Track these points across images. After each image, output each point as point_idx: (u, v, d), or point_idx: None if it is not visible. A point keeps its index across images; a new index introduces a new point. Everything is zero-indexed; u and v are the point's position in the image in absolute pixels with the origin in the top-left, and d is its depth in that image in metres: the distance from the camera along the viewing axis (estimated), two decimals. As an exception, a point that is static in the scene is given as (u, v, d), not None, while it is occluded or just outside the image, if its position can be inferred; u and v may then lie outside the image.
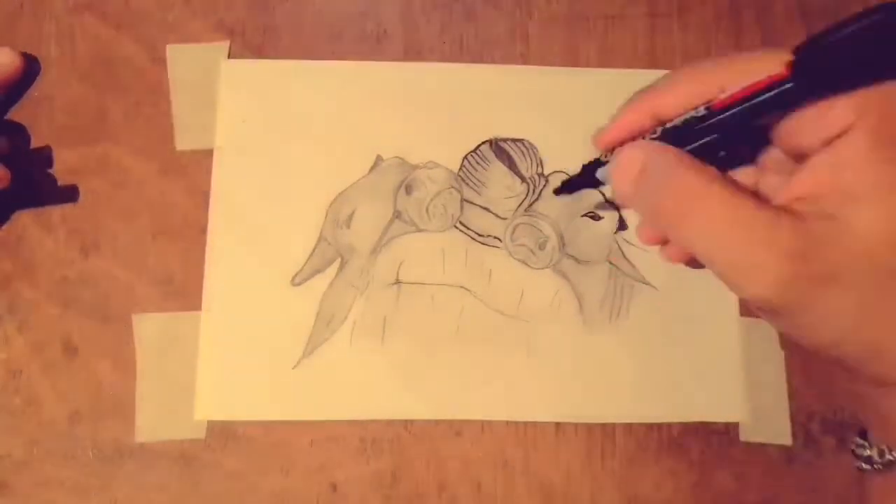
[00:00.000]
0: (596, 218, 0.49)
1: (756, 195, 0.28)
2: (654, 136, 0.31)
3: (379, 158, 0.50)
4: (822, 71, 0.27)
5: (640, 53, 0.53)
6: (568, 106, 0.51)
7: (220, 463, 0.45)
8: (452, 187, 0.49)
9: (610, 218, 0.49)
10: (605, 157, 0.34)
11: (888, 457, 0.31)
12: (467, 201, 0.49)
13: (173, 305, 0.47)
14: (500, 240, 0.49)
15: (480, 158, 0.50)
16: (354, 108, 0.51)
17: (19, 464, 0.44)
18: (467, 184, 0.50)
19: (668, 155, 0.30)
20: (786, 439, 0.46)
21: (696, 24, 0.54)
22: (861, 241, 0.26)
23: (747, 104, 0.28)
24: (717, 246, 0.28)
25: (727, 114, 0.28)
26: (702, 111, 0.29)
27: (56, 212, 0.48)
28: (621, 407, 0.46)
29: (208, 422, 0.45)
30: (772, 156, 0.32)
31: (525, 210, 0.49)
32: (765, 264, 0.27)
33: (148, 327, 0.46)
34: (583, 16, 0.54)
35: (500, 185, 0.50)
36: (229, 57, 0.51)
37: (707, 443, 0.46)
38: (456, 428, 0.46)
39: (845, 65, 0.26)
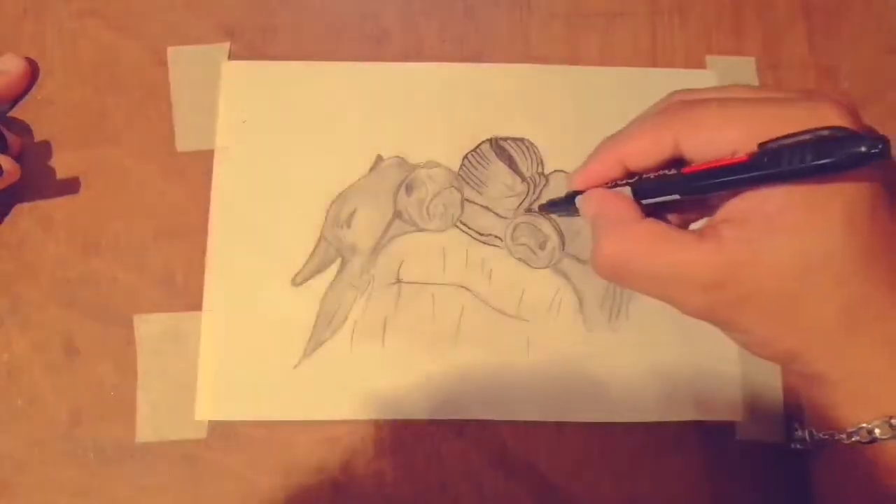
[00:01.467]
0: (596, 217, 0.49)
1: (682, 235, 0.33)
2: (631, 183, 0.36)
3: (379, 158, 0.50)
4: (779, 171, 0.30)
5: (641, 51, 0.53)
6: (569, 104, 0.51)
7: (221, 463, 0.45)
8: (453, 187, 0.49)
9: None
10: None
11: (817, 437, 0.37)
12: (468, 201, 0.49)
13: (174, 306, 0.47)
14: (500, 239, 0.49)
15: (481, 158, 0.50)
16: (354, 109, 0.51)
17: (20, 464, 0.44)
18: (468, 183, 0.50)
19: (610, 213, 0.36)
20: (781, 437, 0.46)
21: (696, 22, 0.54)
22: (773, 268, 0.31)
23: (712, 176, 0.32)
24: (651, 291, 0.35)
25: (694, 180, 0.33)
26: (673, 173, 0.34)
27: (57, 213, 0.48)
28: (621, 406, 0.46)
29: (209, 422, 0.45)
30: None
31: (526, 209, 0.49)
32: (688, 300, 0.33)
33: (149, 328, 0.46)
34: (583, 14, 0.54)
35: (500, 184, 0.50)
36: (230, 58, 0.51)
37: (705, 442, 0.46)
38: (457, 428, 0.46)
39: (794, 163, 0.30)
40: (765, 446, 0.46)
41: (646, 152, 0.35)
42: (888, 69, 0.53)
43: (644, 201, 0.36)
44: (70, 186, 0.48)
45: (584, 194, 0.38)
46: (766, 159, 0.30)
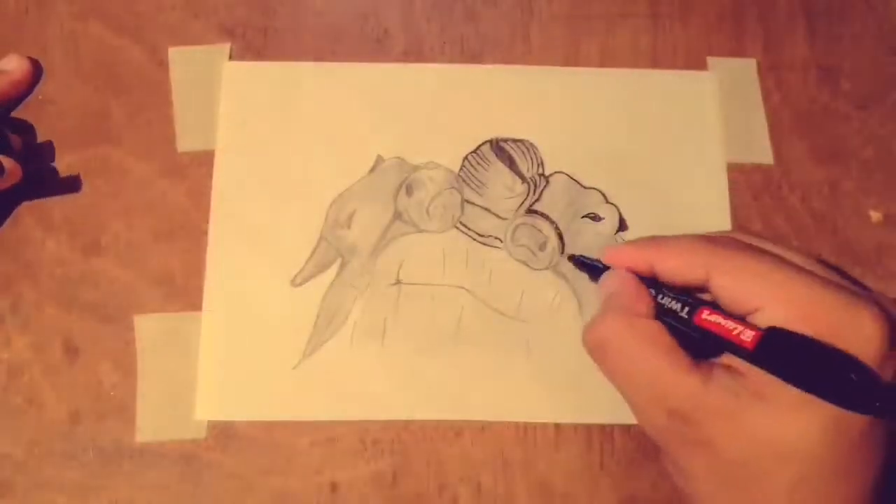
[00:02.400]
0: (596, 219, 0.49)
1: (675, 356, 0.33)
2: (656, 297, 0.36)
3: (379, 159, 0.50)
4: (780, 364, 0.31)
5: (641, 53, 0.53)
6: (569, 106, 0.51)
7: (220, 463, 0.45)
8: (453, 188, 0.49)
9: (610, 218, 0.49)
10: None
11: None
12: (468, 202, 0.49)
13: (174, 306, 0.47)
14: (500, 240, 0.49)
15: (481, 159, 0.50)
16: (355, 109, 0.51)
17: (20, 464, 0.44)
18: (468, 184, 0.50)
19: (622, 299, 0.36)
20: None
21: (697, 23, 0.54)
22: (749, 433, 0.31)
23: (716, 339, 0.33)
24: (619, 386, 0.36)
25: (698, 335, 0.34)
26: (685, 316, 0.34)
27: (57, 213, 0.48)
28: (620, 408, 0.46)
29: (209, 422, 0.45)
30: None
31: (526, 210, 0.49)
32: (647, 411, 0.34)
33: (149, 328, 0.46)
34: (584, 15, 0.54)
35: (500, 185, 0.50)
36: (230, 59, 0.51)
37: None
38: (456, 428, 0.46)
39: (797, 366, 0.30)
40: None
41: (676, 269, 0.35)
42: (889, 70, 0.53)
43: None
44: (71, 185, 0.49)
45: (612, 271, 0.38)
46: (768, 352, 0.31)
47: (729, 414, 0.31)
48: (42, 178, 0.48)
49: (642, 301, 0.36)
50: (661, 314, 0.36)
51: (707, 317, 0.33)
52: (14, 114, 0.50)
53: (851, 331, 0.30)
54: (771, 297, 0.31)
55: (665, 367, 0.33)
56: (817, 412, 0.30)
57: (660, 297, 0.36)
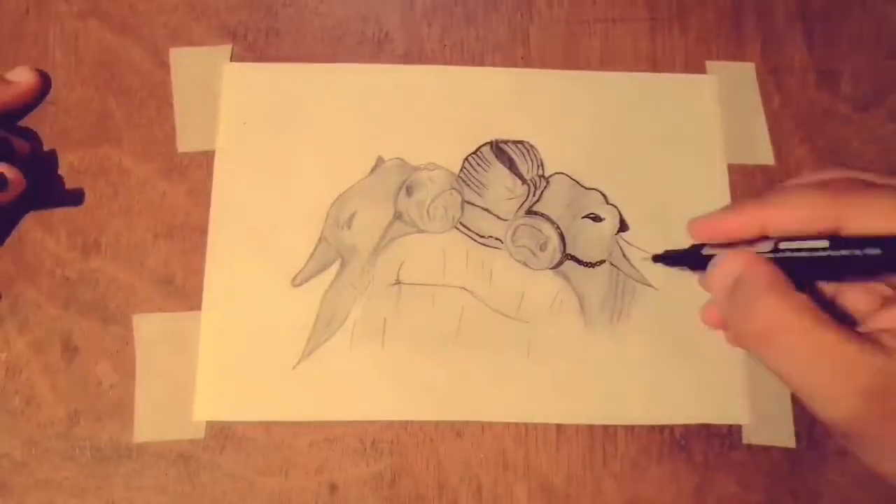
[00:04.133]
0: (597, 219, 0.49)
1: (842, 327, 0.29)
2: (770, 253, 0.32)
3: (380, 160, 0.50)
4: None
5: (640, 56, 0.53)
6: (568, 108, 0.51)
7: (218, 464, 0.45)
8: (453, 188, 0.49)
9: (611, 219, 0.49)
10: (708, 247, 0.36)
11: None
12: (468, 203, 0.49)
13: (174, 306, 0.47)
14: (500, 241, 0.49)
15: (481, 160, 0.50)
16: (355, 111, 0.51)
17: (18, 464, 0.44)
18: (468, 185, 0.50)
19: (762, 278, 0.31)
20: (789, 442, 0.46)
21: (696, 27, 0.54)
22: None
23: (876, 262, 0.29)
24: (797, 375, 0.30)
25: (853, 263, 0.30)
26: (825, 252, 0.31)
27: (57, 212, 0.48)
28: (623, 408, 0.46)
29: (207, 422, 0.45)
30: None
31: (526, 211, 0.49)
32: (840, 398, 0.29)
33: (148, 327, 0.46)
34: (583, 19, 0.54)
35: (500, 186, 0.50)
36: (231, 60, 0.52)
37: (710, 445, 0.46)
38: (456, 429, 0.46)
39: None
40: (773, 451, 0.46)
41: (799, 223, 0.32)
42: (888, 72, 0.53)
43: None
44: (75, 198, 0.48)
45: (728, 254, 0.34)
46: None
47: None
48: (47, 188, 0.48)
49: (779, 276, 0.31)
50: (790, 265, 0.32)
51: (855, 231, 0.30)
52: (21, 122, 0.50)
53: None
54: None
55: (843, 343, 0.29)
56: None
57: (785, 248, 0.32)
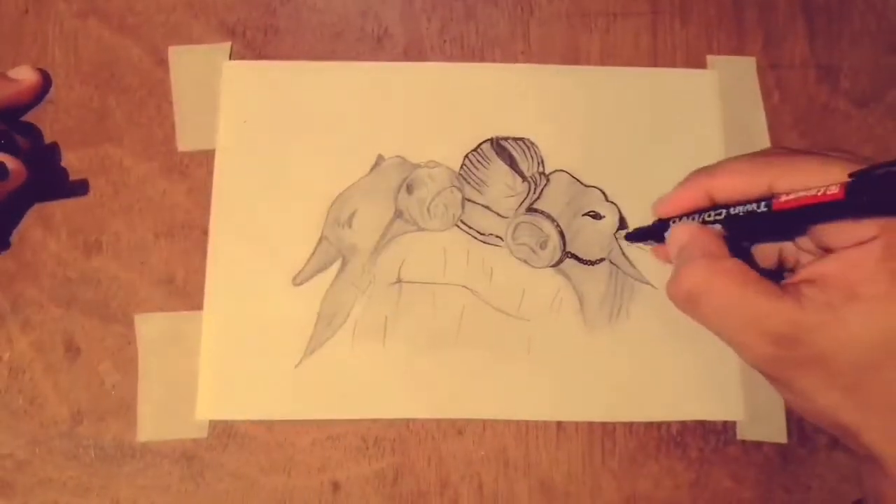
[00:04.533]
0: (597, 217, 0.49)
1: (764, 284, 0.33)
2: (718, 216, 0.37)
3: (380, 158, 0.50)
4: (872, 199, 0.31)
5: (641, 51, 0.53)
6: (569, 104, 0.51)
7: (221, 463, 0.45)
8: (454, 186, 0.49)
9: (611, 217, 0.49)
10: (673, 221, 0.41)
11: None
12: (468, 200, 0.49)
13: (175, 305, 0.47)
14: (501, 239, 0.49)
15: (481, 157, 0.50)
16: (355, 108, 0.51)
17: (21, 463, 0.44)
18: (468, 183, 0.50)
19: (698, 244, 0.36)
20: (781, 437, 0.46)
21: (697, 21, 0.54)
22: (852, 336, 0.31)
23: (802, 213, 0.33)
24: (720, 329, 0.35)
25: (783, 216, 0.34)
26: (763, 208, 0.35)
27: (58, 212, 0.48)
28: (621, 406, 0.46)
29: (210, 421, 0.45)
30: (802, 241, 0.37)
31: (526, 209, 0.49)
32: (756, 346, 0.33)
33: (150, 327, 0.47)
34: (584, 13, 0.54)
35: (501, 183, 0.50)
36: (231, 58, 0.51)
37: (705, 441, 0.46)
38: (458, 427, 0.46)
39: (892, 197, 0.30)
40: (766, 446, 0.46)
41: (738, 188, 0.36)
42: (889, 69, 0.53)
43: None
44: (80, 189, 0.49)
45: (677, 226, 0.39)
46: (860, 192, 0.30)
47: (830, 324, 0.31)
48: (51, 181, 0.49)
49: (714, 242, 0.36)
50: (735, 226, 0.37)
51: (786, 198, 0.34)
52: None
53: None
54: (841, 178, 0.32)
55: (759, 298, 0.33)
56: None
57: (729, 210, 0.37)
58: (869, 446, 0.32)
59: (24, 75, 0.49)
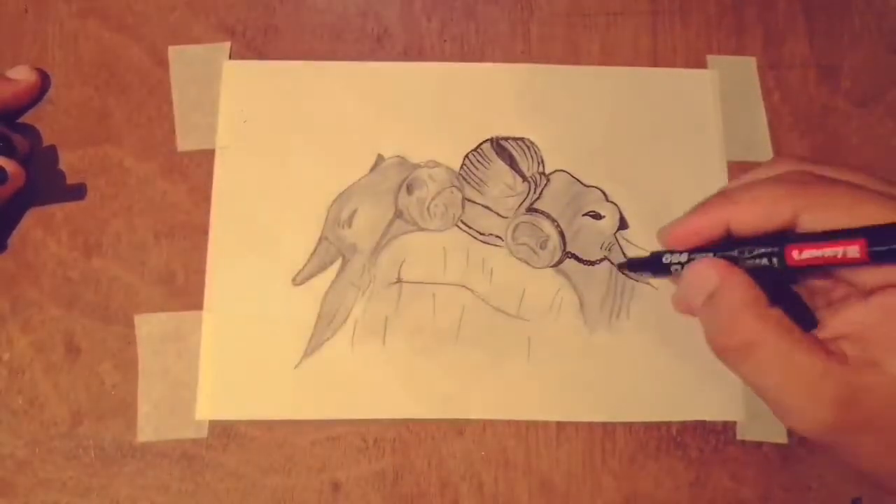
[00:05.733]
0: (597, 217, 0.49)
1: (809, 341, 0.31)
2: (736, 257, 0.33)
3: (380, 158, 0.50)
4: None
5: (641, 51, 0.53)
6: (569, 104, 0.51)
7: (221, 463, 0.45)
8: (454, 186, 0.49)
9: (611, 217, 0.49)
10: (674, 253, 0.36)
11: None
12: (468, 200, 0.49)
13: (175, 305, 0.47)
14: (501, 239, 0.49)
15: (481, 157, 0.50)
16: (355, 108, 0.51)
17: (21, 464, 0.44)
18: (468, 183, 0.50)
19: (738, 291, 0.32)
20: (781, 438, 0.46)
21: (697, 21, 0.54)
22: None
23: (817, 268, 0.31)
24: (772, 389, 0.32)
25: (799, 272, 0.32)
26: (776, 264, 0.32)
27: (58, 213, 0.48)
28: (621, 406, 0.46)
29: (210, 421, 0.45)
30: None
31: (526, 209, 0.49)
32: (812, 412, 0.30)
33: (150, 327, 0.47)
34: (584, 13, 0.54)
35: (501, 183, 0.50)
36: (230, 58, 0.51)
37: (705, 441, 0.46)
38: (458, 427, 0.46)
39: None
40: (766, 446, 0.46)
41: (757, 220, 0.33)
42: (889, 68, 0.53)
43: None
44: (77, 193, 0.49)
45: (702, 262, 0.34)
46: (881, 250, 0.29)
47: (881, 384, 0.30)
48: (48, 184, 0.49)
49: (753, 288, 0.32)
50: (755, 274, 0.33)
51: (800, 256, 0.31)
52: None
53: None
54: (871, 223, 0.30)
55: (811, 357, 0.30)
56: None
57: (738, 256, 0.33)
58: None
59: (23, 75, 0.49)
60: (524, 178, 0.50)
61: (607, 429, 0.46)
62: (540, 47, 0.53)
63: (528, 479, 0.45)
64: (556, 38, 0.53)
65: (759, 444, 0.46)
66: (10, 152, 0.46)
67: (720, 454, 0.46)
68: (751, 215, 0.33)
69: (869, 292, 0.31)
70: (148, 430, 0.45)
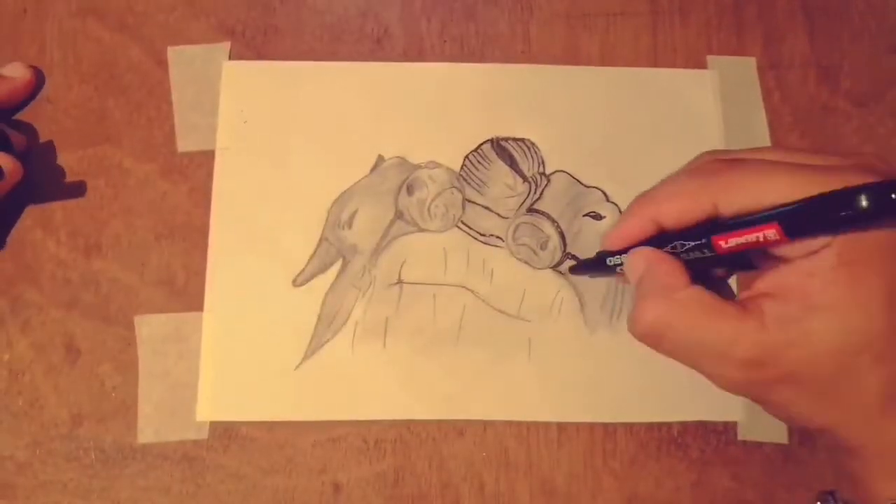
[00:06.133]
0: (597, 217, 0.49)
1: (724, 308, 0.33)
2: (673, 250, 0.35)
3: (380, 158, 0.50)
4: (811, 233, 0.31)
5: (641, 51, 0.53)
6: (569, 104, 0.51)
7: (222, 464, 0.45)
8: (454, 187, 0.49)
9: (611, 217, 0.49)
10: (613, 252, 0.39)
11: None
12: (469, 201, 0.49)
13: (175, 306, 0.47)
14: (502, 239, 0.49)
15: (482, 158, 0.50)
16: (355, 109, 0.51)
17: (22, 465, 0.44)
18: (469, 183, 0.49)
19: (658, 277, 0.35)
20: (782, 438, 0.46)
21: (697, 21, 0.54)
22: (816, 347, 0.31)
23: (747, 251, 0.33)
24: (687, 361, 0.34)
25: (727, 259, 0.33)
26: (707, 252, 0.33)
27: (58, 214, 0.48)
28: (622, 407, 0.46)
29: (210, 423, 0.45)
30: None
31: (527, 209, 0.49)
32: (724, 375, 0.33)
33: (150, 328, 0.46)
34: (584, 13, 0.53)
35: (501, 184, 0.50)
36: (230, 58, 0.51)
37: (706, 442, 0.46)
38: (458, 428, 0.46)
39: (830, 228, 0.30)
40: (766, 446, 0.46)
41: (682, 212, 0.35)
42: (888, 68, 0.53)
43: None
44: (76, 190, 0.48)
45: (634, 252, 0.37)
46: (797, 225, 0.30)
47: (795, 341, 0.31)
48: (47, 180, 0.48)
49: (673, 270, 0.35)
50: (689, 264, 0.35)
51: (727, 245, 0.33)
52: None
53: None
54: (780, 202, 0.31)
55: (721, 325, 0.32)
56: (873, 281, 0.30)
57: (675, 247, 0.35)
58: (846, 440, 0.33)
59: (17, 73, 0.49)
60: (524, 178, 0.50)
61: (608, 429, 0.46)
62: (540, 48, 0.53)
63: (528, 480, 0.45)
64: (555, 39, 0.53)
65: (759, 445, 0.46)
66: (6, 148, 0.46)
67: (721, 454, 0.46)
68: (673, 211, 0.35)
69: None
70: (148, 431, 0.45)
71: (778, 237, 0.31)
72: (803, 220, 0.30)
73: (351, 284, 0.48)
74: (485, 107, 0.51)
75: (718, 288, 0.35)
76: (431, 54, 0.52)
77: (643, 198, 0.37)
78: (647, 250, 0.36)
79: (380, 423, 0.46)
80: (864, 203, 0.28)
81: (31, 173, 0.47)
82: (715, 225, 0.34)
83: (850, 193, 0.29)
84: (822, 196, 0.30)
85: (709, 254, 0.34)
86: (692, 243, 0.35)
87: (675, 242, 0.35)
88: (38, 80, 0.50)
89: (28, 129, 0.49)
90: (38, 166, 0.48)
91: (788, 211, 0.31)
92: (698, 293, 0.34)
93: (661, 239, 0.36)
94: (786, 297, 0.32)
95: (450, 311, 0.47)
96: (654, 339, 0.35)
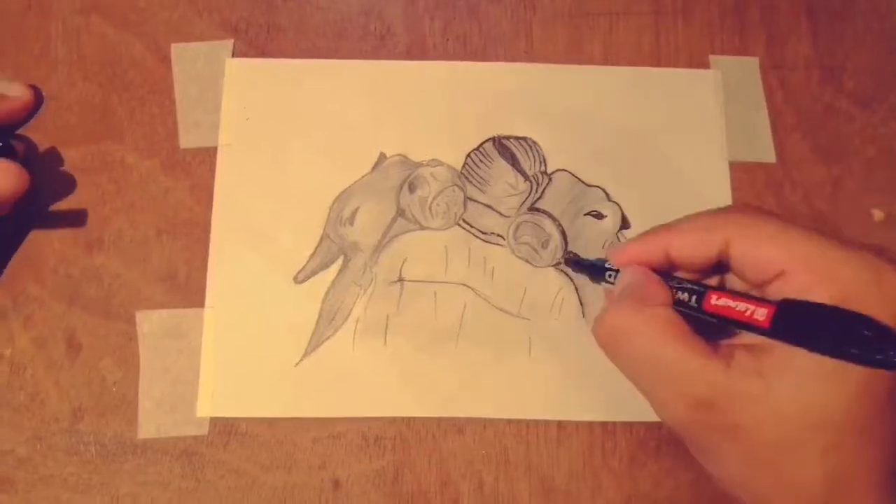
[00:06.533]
0: (599, 216, 0.49)
1: (694, 343, 0.32)
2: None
3: (382, 156, 0.50)
4: (796, 335, 0.31)
5: (644, 51, 0.53)
6: (572, 103, 0.51)
7: (222, 460, 0.45)
8: (455, 185, 0.49)
9: (613, 216, 0.49)
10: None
11: None
12: (470, 199, 0.49)
13: (177, 302, 0.47)
14: (503, 238, 0.49)
15: (484, 156, 0.50)
16: (358, 106, 0.51)
17: (22, 460, 0.44)
18: (470, 182, 0.50)
19: (638, 283, 0.35)
20: None
21: (700, 21, 0.54)
22: (770, 406, 0.30)
23: (729, 320, 0.33)
24: (635, 374, 0.34)
25: (714, 319, 0.34)
26: (693, 303, 0.34)
27: (60, 209, 0.48)
28: (622, 405, 0.46)
29: (211, 419, 0.45)
30: None
31: (528, 208, 0.49)
32: (671, 405, 0.32)
33: (151, 324, 0.47)
34: (587, 13, 0.53)
35: (503, 182, 0.50)
36: (233, 55, 0.51)
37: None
38: (458, 426, 0.46)
39: (817, 334, 0.30)
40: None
41: (693, 247, 0.35)
42: (892, 69, 0.53)
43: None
44: (77, 219, 0.48)
45: (630, 266, 0.37)
46: (785, 325, 0.30)
47: (755, 396, 0.30)
48: (50, 200, 0.48)
49: (654, 288, 0.35)
50: (677, 305, 0.35)
51: (716, 302, 0.33)
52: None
53: (874, 288, 0.30)
54: (792, 261, 0.31)
55: (683, 355, 0.32)
56: (844, 376, 0.29)
57: (672, 286, 0.36)
58: None
59: (17, 92, 0.49)
60: (526, 177, 0.50)
61: (608, 428, 0.46)
62: (542, 47, 0.53)
63: (528, 479, 0.45)
64: (558, 38, 0.53)
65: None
66: (11, 157, 0.46)
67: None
68: (687, 241, 0.35)
69: None
70: (149, 426, 0.45)
71: (765, 325, 0.31)
72: (798, 326, 0.30)
73: (352, 282, 0.48)
74: (487, 105, 0.51)
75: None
76: (434, 53, 0.52)
77: (661, 226, 0.37)
78: (641, 267, 0.36)
79: (380, 421, 0.46)
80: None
81: (36, 182, 0.46)
82: (716, 286, 0.34)
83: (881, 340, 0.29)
84: (839, 310, 0.29)
85: (695, 304, 0.34)
86: (688, 284, 0.35)
87: (674, 280, 0.36)
88: (37, 100, 0.50)
89: (25, 142, 0.49)
90: (41, 179, 0.48)
91: (792, 307, 0.31)
92: (672, 315, 0.33)
93: (664, 276, 0.36)
94: (762, 352, 0.31)
95: (450, 309, 0.47)
96: (613, 345, 0.35)
